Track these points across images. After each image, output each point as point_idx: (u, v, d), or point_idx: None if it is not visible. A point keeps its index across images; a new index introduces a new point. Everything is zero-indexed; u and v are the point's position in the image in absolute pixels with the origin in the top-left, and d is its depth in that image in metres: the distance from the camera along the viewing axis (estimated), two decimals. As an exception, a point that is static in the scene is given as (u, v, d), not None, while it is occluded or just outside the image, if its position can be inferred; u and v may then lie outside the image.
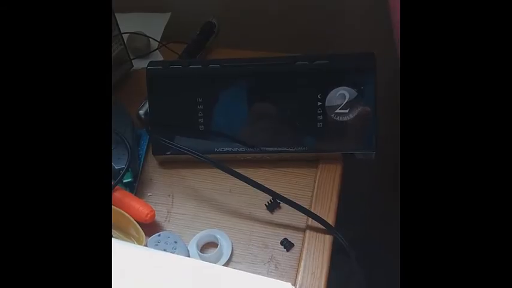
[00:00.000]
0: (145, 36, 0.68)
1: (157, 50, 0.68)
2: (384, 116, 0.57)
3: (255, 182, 0.47)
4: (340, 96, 0.49)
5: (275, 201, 0.49)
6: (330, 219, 0.47)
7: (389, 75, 0.56)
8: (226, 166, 0.48)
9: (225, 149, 0.52)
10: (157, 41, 0.68)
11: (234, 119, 0.51)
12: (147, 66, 0.52)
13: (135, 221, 0.46)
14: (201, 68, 0.51)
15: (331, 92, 0.49)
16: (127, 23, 0.65)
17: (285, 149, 0.51)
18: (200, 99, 0.51)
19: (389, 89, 0.60)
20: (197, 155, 0.49)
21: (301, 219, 0.48)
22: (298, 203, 0.48)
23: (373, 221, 0.91)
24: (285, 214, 0.48)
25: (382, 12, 0.51)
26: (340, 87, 0.49)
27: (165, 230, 0.48)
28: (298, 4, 0.70)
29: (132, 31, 0.69)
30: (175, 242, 0.45)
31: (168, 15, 0.74)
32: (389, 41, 0.48)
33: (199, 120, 0.52)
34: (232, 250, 0.46)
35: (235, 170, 0.50)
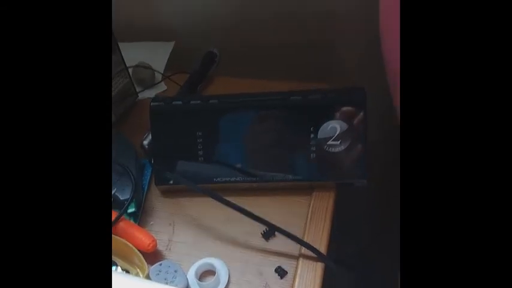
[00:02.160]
0: (150, 68, 0.71)
1: (162, 82, 0.72)
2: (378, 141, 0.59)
3: (249, 212, 0.50)
4: (332, 129, 0.52)
5: (270, 230, 0.51)
6: (322, 247, 0.49)
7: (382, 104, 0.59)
8: (221, 197, 0.51)
9: (224, 179, 0.55)
10: (161, 73, 0.71)
11: (232, 150, 0.54)
12: (151, 102, 0.55)
13: (138, 252, 0.49)
14: (200, 104, 0.54)
15: (324, 125, 0.52)
16: (131, 53, 0.68)
17: (281, 178, 0.54)
18: (200, 133, 0.54)
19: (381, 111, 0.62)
20: (194, 186, 0.52)
21: (294, 247, 0.50)
22: (292, 231, 0.51)
23: (371, 239, 0.93)
24: (280, 242, 0.51)
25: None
26: (331, 121, 0.52)
27: (166, 258, 0.51)
28: (297, 35, 0.73)
29: (137, 61, 0.72)
30: (175, 271, 0.48)
31: (171, 44, 0.77)
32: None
33: (199, 152, 0.54)
34: (229, 278, 0.48)
35: (234, 198, 0.53)
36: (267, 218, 0.52)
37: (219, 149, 0.54)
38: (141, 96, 0.69)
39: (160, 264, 0.48)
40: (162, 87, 0.71)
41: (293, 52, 0.74)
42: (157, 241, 0.51)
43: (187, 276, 0.48)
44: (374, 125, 0.58)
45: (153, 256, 0.50)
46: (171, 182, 0.55)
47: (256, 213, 0.53)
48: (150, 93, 0.70)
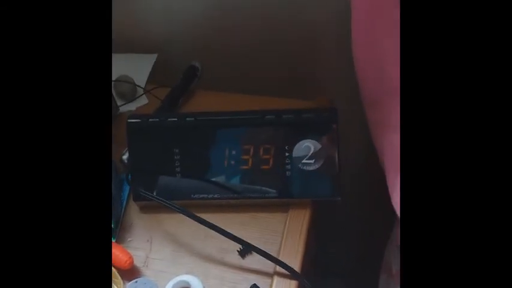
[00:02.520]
0: (131, 83, 0.71)
1: (143, 95, 0.72)
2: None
3: (222, 229, 0.51)
4: (305, 148, 0.53)
5: (247, 247, 0.52)
6: (297, 264, 0.50)
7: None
8: (194, 214, 0.52)
9: (202, 196, 0.56)
10: (142, 88, 0.72)
11: (209, 167, 0.55)
12: (127, 119, 0.56)
13: (114, 268, 0.50)
14: (177, 121, 0.55)
15: (298, 143, 0.53)
16: (113, 65, 0.69)
17: (257, 195, 0.55)
18: (177, 150, 0.55)
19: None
20: (168, 204, 0.52)
21: (270, 265, 0.51)
22: (269, 248, 0.52)
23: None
24: (256, 259, 0.52)
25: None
26: (305, 140, 0.53)
27: (143, 275, 0.52)
28: (280, 49, 0.73)
29: (118, 74, 0.72)
30: (151, 289, 0.48)
31: (154, 57, 0.78)
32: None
33: (176, 169, 0.55)
34: (204, 295, 0.49)
35: (213, 215, 0.54)
36: (245, 235, 0.53)
37: (196, 166, 0.55)
38: (122, 109, 0.70)
39: (136, 282, 0.49)
40: (144, 100, 0.72)
41: (275, 66, 0.75)
42: (134, 257, 0.52)
43: (163, 294, 0.49)
44: (356, 137, 0.59)
45: (129, 273, 0.51)
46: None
47: (235, 229, 0.54)
48: (131, 107, 0.71)
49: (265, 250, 0.51)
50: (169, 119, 0.55)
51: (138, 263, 0.53)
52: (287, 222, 0.54)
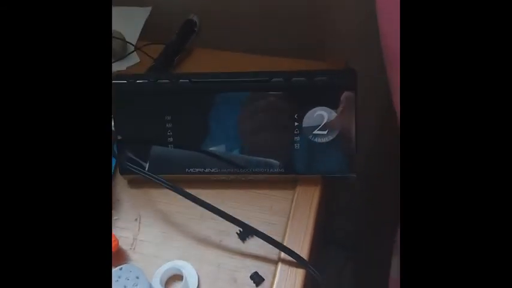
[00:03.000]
0: (122, 39, 0.63)
1: (134, 52, 0.64)
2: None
3: (223, 212, 0.44)
4: (318, 116, 0.45)
5: (247, 230, 0.46)
6: (305, 249, 0.44)
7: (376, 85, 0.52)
8: (189, 193, 0.45)
9: (197, 170, 0.49)
10: (132, 45, 0.64)
11: (206, 137, 0.48)
12: (112, 80, 0.48)
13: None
14: (169, 84, 0.47)
15: (309, 112, 0.45)
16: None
17: (260, 169, 0.48)
18: (169, 117, 0.48)
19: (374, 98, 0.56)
20: (159, 180, 0.45)
21: (273, 250, 0.44)
22: (272, 229, 0.46)
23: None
24: (257, 243, 0.45)
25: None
26: (318, 107, 0.45)
27: (130, 259, 0.45)
28: (286, 4, 0.65)
29: (108, 30, 0.64)
30: (137, 278, 0.42)
31: (148, 10, 0.69)
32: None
33: (169, 139, 0.48)
34: (198, 285, 0.43)
35: (209, 191, 0.48)
36: (246, 215, 0.47)
37: (191, 136, 0.48)
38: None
39: (121, 269, 0.43)
40: (135, 59, 0.64)
41: (282, 21, 0.66)
42: (120, 239, 0.46)
43: (152, 283, 0.43)
44: (368, 108, 0.52)
45: (114, 257, 0.45)
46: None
47: (235, 209, 0.47)
48: (121, 66, 0.63)
49: (268, 233, 0.45)
50: (160, 81, 0.47)
51: (124, 245, 0.46)
52: (294, 202, 0.47)
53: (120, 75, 0.49)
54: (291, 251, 0.43)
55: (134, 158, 0.49)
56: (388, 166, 0.53)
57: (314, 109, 0.45)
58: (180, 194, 0.45)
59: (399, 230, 0.50)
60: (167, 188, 0.45)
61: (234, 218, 0.44)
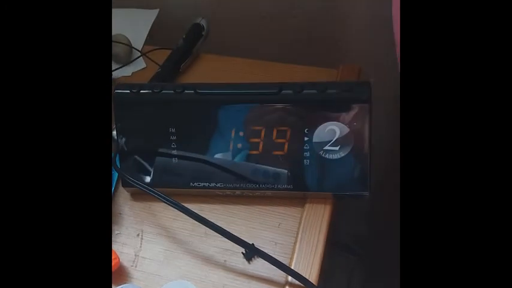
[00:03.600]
0: (127, 45, 0.61)
1: (140, 57, 0.62)
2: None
3: (227, 232, 0.42)
4: (329, 131, 0.43)
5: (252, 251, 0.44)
6: (313, 275, 0.42)
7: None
8: (194, 213, 0.43)
9: (201, 184, 0.47)
10: (138, 51, 0.62)
11: (211, 151, 0.46)
12: (114, 89, 0.46)
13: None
14: (174, 94, 0.45)
15: (320, 126, 0.43)
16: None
17: (268, 186, 0.46)
18: (173, 129, 0.46)
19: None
20: (160, 196, 0.43)
21: (280, 272, 0.42)
22: (280, 250, 0.44)
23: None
24: (264, 264, 0.43)
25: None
26: (329, 122, 0.43)
27: (131, 277, 0.44)
28: (298, 6, 0.62)
29: (113, 33, 0.62)
30: (137, 299, 0.40)
31: (155, 13, 0.67)
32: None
33: (173, 152, 0.46)
34: (200, 308, 0.41)
35: (214, 207, 0.46)
36: (252, 234, 0.45)
37: (196, 149, 0.46)
38: (115, 74, 0.60)
39: (121, 289, 0.41)
40: (141, 64, 0.62)
41: (294, 26, 0.64)
42: (121, 255, 0.44)
43: (152, 305, 0.41)
44: (380, 119, 0.49)
45: (115, 275, 0.43)
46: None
47: (240, 226, 0.45)
48: (126, 71, 0.61)
49: (275, 254, 0.42)
50: (164, 91, 0.45)
51: (125, 262, 0.44)
52: (303, 220, 0.45)
53: (123, 84, 0.47)
54: (299, 275, 0.40)
55: (137, 170, 0.47)
56: (398, 170, 0.51)
57: (325, 124, 0.43)
58: (181, 211, 0.43)
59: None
60: (167, 203, 0.43)
61: (239, 238, 0.42)
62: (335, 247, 0.94)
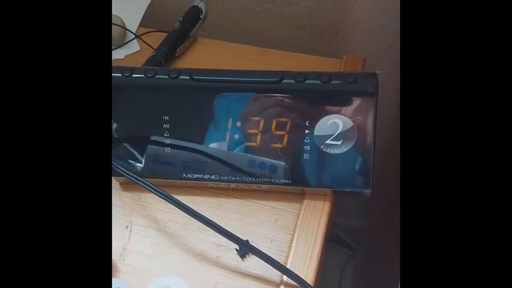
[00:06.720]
0: (121, 26, 0.58)
1: (134, 40, 0.59)
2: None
3: (221, 227, 0.39)
4: (332, 125, 0.41)
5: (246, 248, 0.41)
6: (310, 275, 0.40)
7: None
8: (185, 206, 0.40)
9: (195, 176, 0.44)
10: (132, 33, 0.59)
11: (206, 141, 0.43)
12: (106, 73, 0.44)
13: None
14: (168, 80, 0.43)
15: (322, 119, 0.41)
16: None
17: (265, 179, 0.43)
18: (166, 117, 0.43)
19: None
20: (150, 187, 0.41)
21: (275, 270, 0.40)
22: (276, 247, 0.42)
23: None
24: (258, 262, 0.41)
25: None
26: (332, 115, 0.40)
27: (118, 271, 0.41)
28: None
29: (107, 13, 0.59)
30: (124, 296, 0.38)
31: (151, -6, 0.64)
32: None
33: (165, 140, 0.44)
34: (190, 306, 0.39)
35: (207, 199, 0.44)
36: (247, 229, 0.43)
37: (191, 138, 0.44)
38: (108, 57, 0.58)
39: (107, 285, 0.39)
40: (135, 47, 0.59)
41: (296, 12, 0.61)
42: (108, 249, 0.42)
43: (139, 302, 0.39)
44: (385, 116, 0.47)
45: (101, 268, 0.41)
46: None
47: (234, 220, 0.43)
48: (119, 54, 0.59)
49: (270, 251, 0.41)
50: (158, 76, 0.43)
51: (114, 254, 0.42)
52: (300, 217, 0.43)
53: (115, 67, 0.44)
54: (295, 275, 0.38)
55: (127, 159, 0.44)
56: (392, 165, 0.49)
57: (328, 116, 0.40)
58: (172, 203, 0.41)
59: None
60: (158, 195, 0.41)
61: (233, 234, 0.39)
62: (328, 240, 0.93)
